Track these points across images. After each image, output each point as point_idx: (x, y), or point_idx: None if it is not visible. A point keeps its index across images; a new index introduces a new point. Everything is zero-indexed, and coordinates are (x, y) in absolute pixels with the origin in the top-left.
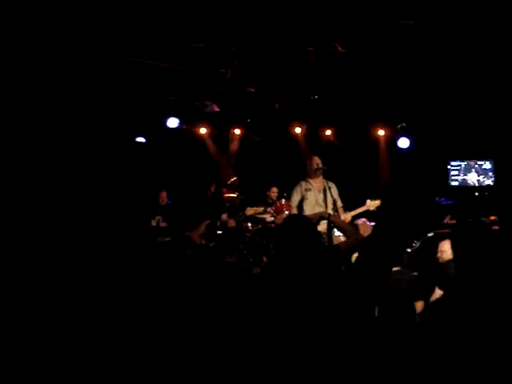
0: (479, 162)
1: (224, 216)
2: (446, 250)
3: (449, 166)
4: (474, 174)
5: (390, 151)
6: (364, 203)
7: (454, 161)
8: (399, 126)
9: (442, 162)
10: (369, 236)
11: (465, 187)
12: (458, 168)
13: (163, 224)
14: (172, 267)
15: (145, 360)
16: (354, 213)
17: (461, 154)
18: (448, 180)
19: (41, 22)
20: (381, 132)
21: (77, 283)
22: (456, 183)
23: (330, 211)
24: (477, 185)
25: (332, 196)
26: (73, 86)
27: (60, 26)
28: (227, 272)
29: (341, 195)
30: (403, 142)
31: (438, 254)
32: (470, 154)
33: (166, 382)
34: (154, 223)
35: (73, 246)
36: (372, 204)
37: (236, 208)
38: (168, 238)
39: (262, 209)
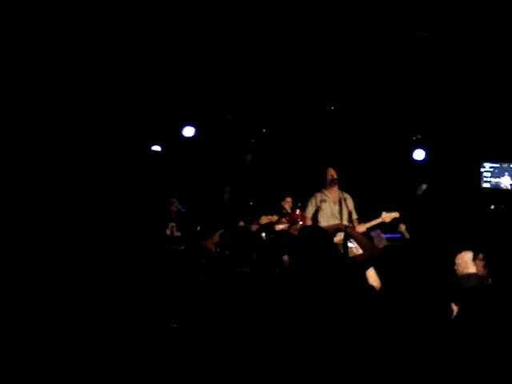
0: None
1: (241, 223)
2: (460, 262)
3: (482, 168)
4: (507, 178)
5: (405, 163)
6: (379, 215)
7: (487, 162)
8: (414, 138)
9: (473, 164)
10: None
11: (497, 190)
12: (491, 170)
13: (177, 233)
14: (185, 276)
15: (152, 367)
16: (369, 225)
17: (495, 156)
18: (480, 182)
19: (61, 30)
20: (396, 143)
21: (91, 292)
22: (488, 185)
23: (346, 223)
24: (510, 188)
25: (347, 207)
26: (90, 93)
27: (80, 34)
28: (240, 282)
29: (356, 207)
30: (418, 154)
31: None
32: (504, 156)
33: None
34: (168, 232)
35: (89, 253)
36: (387, 216)
37: (251, 215)
38: (182, 247)
39: (276, 218)
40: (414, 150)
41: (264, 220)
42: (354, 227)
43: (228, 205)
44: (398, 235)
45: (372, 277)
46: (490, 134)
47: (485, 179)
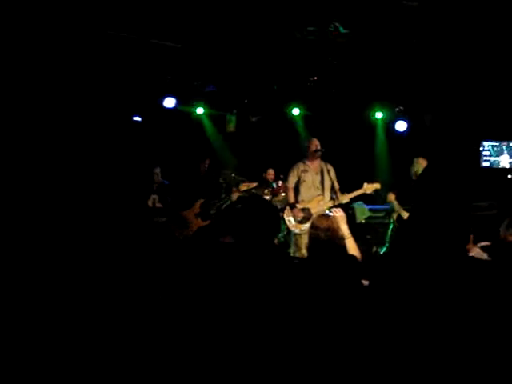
0: (511, 144)
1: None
2: None
3: (481, 147)
4: (506, 156)
5: (387, 134)
6: (361, 186)
7: (486, 141)
8: (397, 109)
9: (473, 142)
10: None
11: (496, 169)
12: (490, 149)
13: (159, 204)
14: (169, 248)
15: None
16: (351, 195)
17: (494, 135)
18: (479, 160)
19: None
20: (378, 114)
21: (73, 268)
22: (487, 164)
23: (327, 193)
24: (509, 167)
25: (330, 178)
26: (67, 63)
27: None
28: (224, 252)
29: (338, 178)
30: (400, 125)
31: None
32: (504, 134)
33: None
34: (150, 203)
35: (70, 228)
36: (369, 187)
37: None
38: (164, 218)
39: (255, 184)
40: (396, 121)
41: (243, 187)
42: (336, 197)
43: (206, 177)
44: (383, 206)
45: (352, 248)
46: (488, 113)
47: (484, 158)
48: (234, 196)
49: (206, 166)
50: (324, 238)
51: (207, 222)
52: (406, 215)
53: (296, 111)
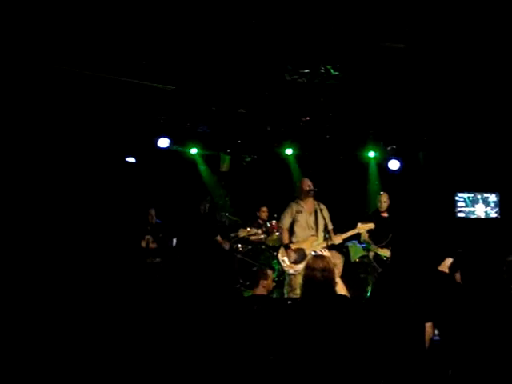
0: (485, 195)
1: (218, 237)
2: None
3: (456, 198)
4: (481, 206)
5: (380, 172)
6: (355, 226)
7: (461, 192)
8: (389, 148)
9: (448, 194)
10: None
11: (471, 219)
12: (465, 200)
13: (153, 245)
14: (163, 288)
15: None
16: (345, 235)
17: (468, 186)
18: (454, 211)
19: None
20: (371, 154)
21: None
22: (462, 214)
23: (321, 233)
24: (483, 217)
25: (323, 218)
26: (63, 106)
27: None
28: (218, 294)
29: (332, 217)
30: (393, 164)
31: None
32: (477, 186)
33: None
34: (143, 244)
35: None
36: (363, 227)
37: (227, 228)
38: (158, 259)
39: (255, 231)
40: (388, 160)
41: (243, 233)
42: (329, 238)
43: (205, 218)
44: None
45: (341, 288)
46: (464, 165)
47: (459, 209)
48: (227, 245)
49: (207, 207)
50: (320, 278)
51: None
52: (382, 252)
53: (289, 151)
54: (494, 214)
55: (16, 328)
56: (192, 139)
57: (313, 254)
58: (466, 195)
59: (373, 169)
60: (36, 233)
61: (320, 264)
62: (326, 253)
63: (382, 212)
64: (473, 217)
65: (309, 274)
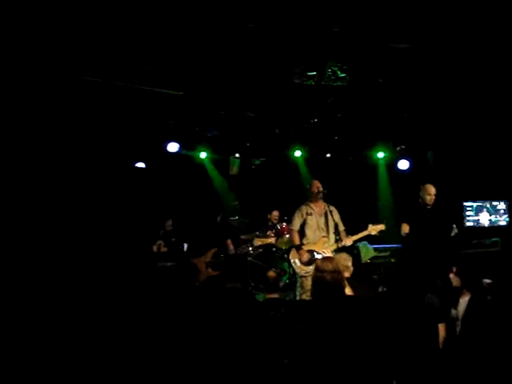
0: (494, 203)
1: (229, 241)
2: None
3: (463, 207)
4: (485, 214)
5: (389, 173)
6: (366, 227)
7: (467, 201)
8: (398, 148)
9: (456, 203)
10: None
11: (479, 228)
12: (471, 208)
13: (164, 249)
14: (177, 293)
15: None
16: (356, 237)
17: (476, 195)
18: (463, 220)
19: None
20: (380, 154)
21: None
22: (471, 224)
23: (332, 235)
24: (487, 225)
25: (333, 220)
26: (71, 112)
27: (59, 50)
28: (231, 298)
29: (342, 219)
30: (403, 164)
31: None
32: (485, 194)
33: None
34: (155, 248)
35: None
36: (374, 228)
37: (237, 232)
38: (170, 263)
39: (269, 240)
40: (398, 160)
41: (258, 242)
42: (340, 239)
43: (219, 224)
44: (389, 245)
45: (347, 289)
46: (471, 173)
47: (467, 218)
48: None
49: (218, 219)
50: (330, 280)
51: (217, 273)
52: None
53: (298, 153)
54: (502, 222)
55: (28, 332)
56: (201, 143)
57: (318, 256)
58: (473, 204)
59: (382, 169)
60: (44, 236)
61: (329, 266)
62: (330, 254)
63: (427, 206)
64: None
65: (318, 276)
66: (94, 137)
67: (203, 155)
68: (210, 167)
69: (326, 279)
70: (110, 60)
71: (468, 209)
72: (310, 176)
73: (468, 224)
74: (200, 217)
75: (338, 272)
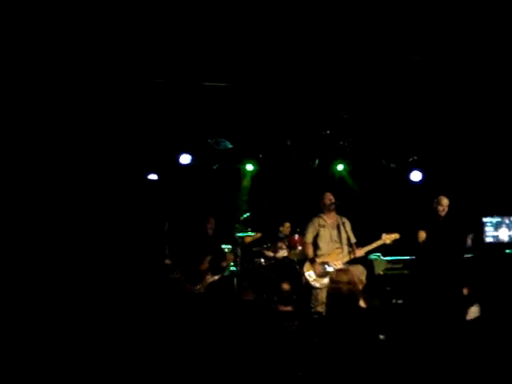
0: None
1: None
2: None
3: (483, 223)
4: (504, 230)
5: (402, 184)
6: (380, 237)
7: (486, 217)
8: (411, 160)
9: (476, 218)
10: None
11: (498, 243)
12: (491, 224)
13: (168, 261)
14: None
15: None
16: (370, 247)
17: (497, 211)
18: (483, 236)
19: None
20: (392, 165)
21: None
22: (491, 239)
23: (345, 247)
24: (506, 240)
25: (346, 232)
26: (84, 123)
27: (76, 64)
28: (247, 310)
29: (355, 230)
30: (415, 176)
31: None
32: (505, 210)
33: None
34: (168, 261)
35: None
36: (388, 237)
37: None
38: (175, 275)
39: (259, 234)
40: (410, 171)
41: (248, 239)
42: (352, 251)
43: (213, 235)
44: (402, 257)
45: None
46: (492, 189)
47: (487, 234)
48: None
49: (212, 225)
50: (346, 291)
51: (218, 276)
52: None
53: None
54: None
55: (28, 333)
56: (213, 155)
57: (329, 269)
58: (493, 219)
59: (392, 180)
60: (54, 243)
61: (344, 277)
62: (342, 266)
63: (440, 217)
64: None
65: (334, 288)
66: (107, 146)
67: (216, 166)
68: (224, 178)
69: (341, 291)
70: (125, 70)
71: (487, 225)
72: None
73: (488, 240)
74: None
75: (353, 284)
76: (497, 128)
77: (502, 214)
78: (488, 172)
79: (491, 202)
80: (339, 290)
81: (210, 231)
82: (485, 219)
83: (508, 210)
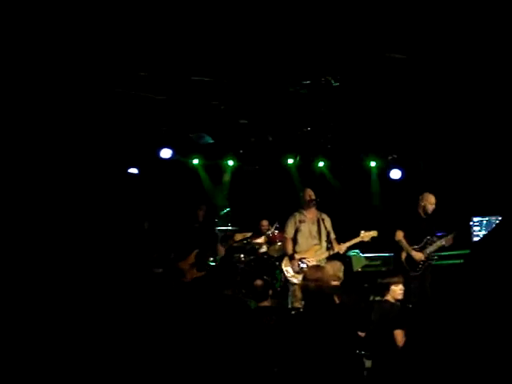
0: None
1: (218, 245)
2: None
3: (471, 222)
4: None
5: (381, 182)
6: (358, 234)
7: (476, 217)
8: (390, 158)
9: (464, 218)
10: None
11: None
12: (480, 224)
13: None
14: (168, 297)
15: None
16: (348, 244)
17: (484, 210)
18: (470, 236)
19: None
20: (372, 163)
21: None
22: (478, 239)
23: (324, 243)
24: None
25: (325, 227)
26: (65, 117)
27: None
28: (225, 304)
29: (334, 226)
30: (395, 173)
31: None
32: (494, 210)
33: None
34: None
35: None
36: (366, 235)
37: (226, 237)
38: (160, 269)
39: (249, 234)
40: (390, 169)
41: (238, 237)
42: (331, 247)
43: (202, 226)
44: (380, 254)
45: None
46: (480, 189)
47: (474, 233)
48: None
49: (203, 212)
50: (313, 288)
51: (202, 273)
52: (415, 255)
53: (290, 161)
54: None
55: (27, 333)
56: (194, 150)
57: (302, 265)
58: (481, 219)
59: (374, 178)
60: (38, 241)
61: (314, 275)
62: (315, 262)
63: (426, 215)
64: None
65: (303, 285)
66: (88, 141)
67: (196, 161)
68: (202, 173)
69: (309, 287)
70: (106, 65)
71: (476, 224)
72: (302, 184)
73: (475, 239)
74: (190, 221)
75: (321, 281)
76: (479, 126)
77: (489, 214)
78: (470, 170)
79: (477, 201)
80: (307, 287)
81: (201, 218)
82: (474, 219)
83: (495, 209)
